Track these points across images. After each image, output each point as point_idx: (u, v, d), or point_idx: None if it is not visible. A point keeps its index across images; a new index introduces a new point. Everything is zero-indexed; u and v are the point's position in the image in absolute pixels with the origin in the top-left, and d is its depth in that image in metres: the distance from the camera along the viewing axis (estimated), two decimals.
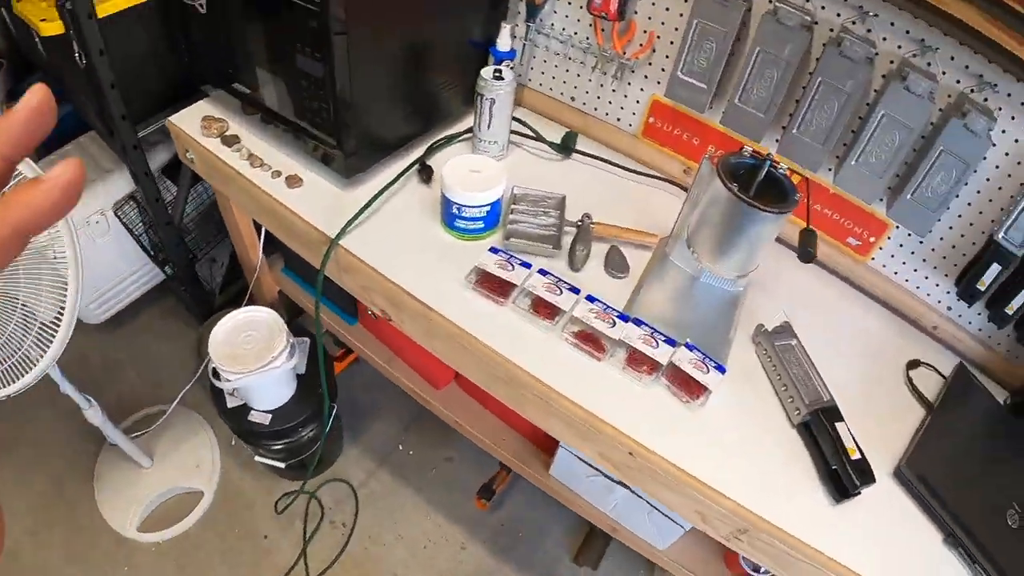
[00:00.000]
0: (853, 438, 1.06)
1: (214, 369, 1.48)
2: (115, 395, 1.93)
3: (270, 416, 1.60)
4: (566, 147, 1.43)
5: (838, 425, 1.06)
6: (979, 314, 1.26)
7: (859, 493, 1.02)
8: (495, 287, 1.14)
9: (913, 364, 1.26)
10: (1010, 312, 1.17)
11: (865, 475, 1.03)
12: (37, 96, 0.28)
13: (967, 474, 1.12)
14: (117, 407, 1.85)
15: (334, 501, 1.84)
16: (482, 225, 1.20)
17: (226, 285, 2.00)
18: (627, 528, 1.46)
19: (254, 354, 1.47)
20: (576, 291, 1.15)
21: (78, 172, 0.28)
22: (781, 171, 1.05)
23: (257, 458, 1.76)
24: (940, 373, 1.26)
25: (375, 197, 1.24)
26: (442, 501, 1.86)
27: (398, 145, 1.36)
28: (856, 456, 1.04)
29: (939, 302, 1.30)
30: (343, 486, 1.85)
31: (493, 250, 1.19)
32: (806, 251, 1.00)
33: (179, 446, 1.90)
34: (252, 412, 1.62)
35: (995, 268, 1.15)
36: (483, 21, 1.39)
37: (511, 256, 1.18)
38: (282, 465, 1.73)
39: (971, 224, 1.18)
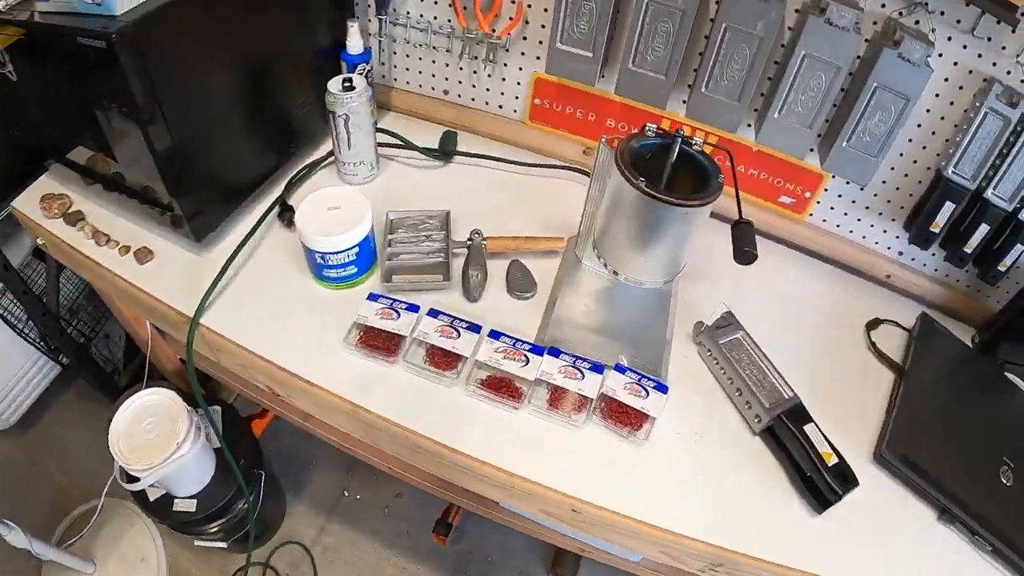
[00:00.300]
0: (826, 439, 0.84)
1: (121, 469, 1.23)
2: (43, 500, 1.67)
3: (195, 501, 1.35)
4: (445, 151, 1.17)
5: (807, 428, 0.85)
6: (933, 255, 1.06)
7: (841, 500, 0.81)
8: (381, 343, 0.89)
9: (873, 324, 1.05)
10: (969, 251, 0.97)
11: (846, 480, 0.83)
12: None
13: (950, 438, 0.93)
14: (49, 512, 1.62)
15: (290, 566, 1.60)
16: (355, 270, 0.94)
17: (128, 360, 1.73)
18: (596, 547, 1.25)
19: (158, 444, 1.21)
20: (476, 328, 0.90)
21: None
22: (696, 148, 0.80)
23: (197, 542, 1.51)
24: (902, 327, 1.06)
25: (230, 259, 0.97)
26: (401, 541, 1.63)
27: (255, 186, 1.08)
28: (833, 460, 0.83)
29: (889, 249, 1.09)
30: (295, 548, 1.61)
31: (372, 297, 0.93)
32: (743, 251, 0.75)
33: (119, 542, 1.65)
34: (176, 501, 1.37)
35: (948, 207, 0.94)
36: (327, 23, 1.11)
37: (394, 301, 0.92)
38: (224, 545, 1.48)
39: (915, 162, 0.98)
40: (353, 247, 0.91)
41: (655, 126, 0.80)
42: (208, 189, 0.98)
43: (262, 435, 1.67)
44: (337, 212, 0.92)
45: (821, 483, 0.82)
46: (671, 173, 0.82)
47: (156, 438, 1.21)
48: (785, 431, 0.85)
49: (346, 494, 1.70)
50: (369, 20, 1.17)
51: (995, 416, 0.98)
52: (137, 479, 1.20)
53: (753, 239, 0.75)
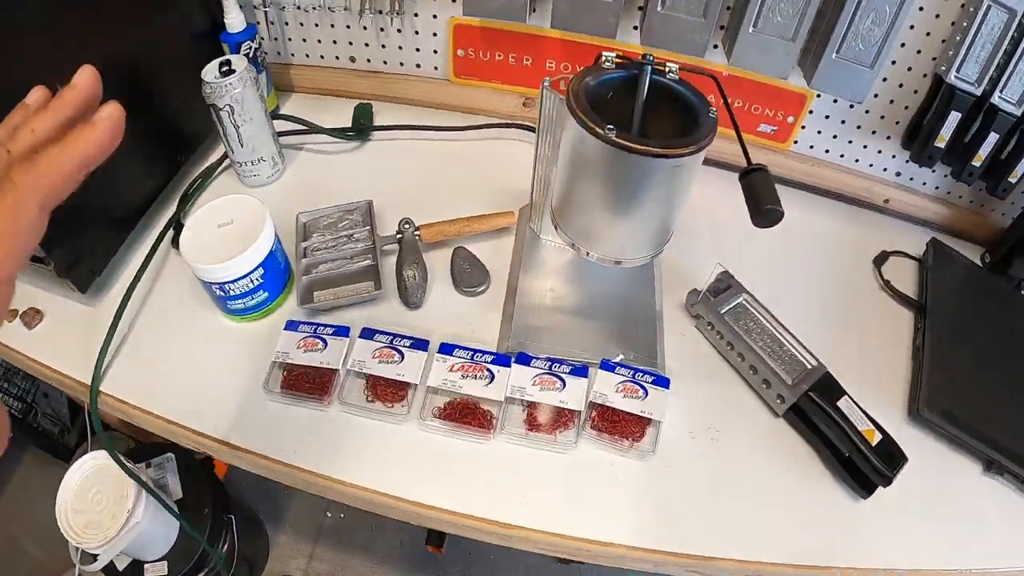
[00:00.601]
0: (864, 413, 0.65)
1: (77, 550, 1.04)
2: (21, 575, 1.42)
3: (166, 563, 1.15)
4: (360, 128, 0.92)
5: (841, 404, 0.65)
6: (933, 171, 0.86)
7: (892, 483, 0.62)
8: (308, 383, 0.66)
9: (880, 258, 0.86)
10: (978, 164, 0.78)
11: (894, 458, 0.63)
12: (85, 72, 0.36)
13: (984, 379, 0.76)
14: None
15: None
16: (265, 295, 0.71)
17: (75, 415, 1.49)
18: None
19: (111, 513, 1.02)
20: (423, 345, 0.68)
21: (120, 111, 0.36)
22: (671, 75, 0.57)
23: None
24: (912, 256, 0.87)
25: (121, 309, 0.72)
26: (396, 554, 1.43)
27: (142, 211, 0.83)
28: (877, 438, 0.64)
29: (885, 171, 0.89)
30: None
31: (290, 325, 0.70)
32: (763, 209, 0.50)
33: None
34: (146, 567, 1.16)
35: (954, 117, 0.76)
36: (199, 2, 0.85)
37: (318, 326, 0.69)
38: None
39: (909, 69, 0.78)
40: (255, 269, 0.67)
41: (613, 55, 0.57)
42: (84, 229, 0.72)
43: (227, 472, 1.43)
44: (229, 229, 0.68)
45: (866, 467, 0.63)
46: (643, 115, 0.59)
47: (107, 507, 1.02)
48: (815, 409, 0.65)
49: (329, 515, 1.49)
50: None
51: (1021, 342, 0.80)
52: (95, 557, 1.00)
53: (773, 190, 0.51)
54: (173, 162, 0.85)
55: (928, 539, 0.63)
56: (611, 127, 0.50)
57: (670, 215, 0.58)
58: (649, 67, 0.56)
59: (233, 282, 0.66)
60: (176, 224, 0.81)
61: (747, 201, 0.51)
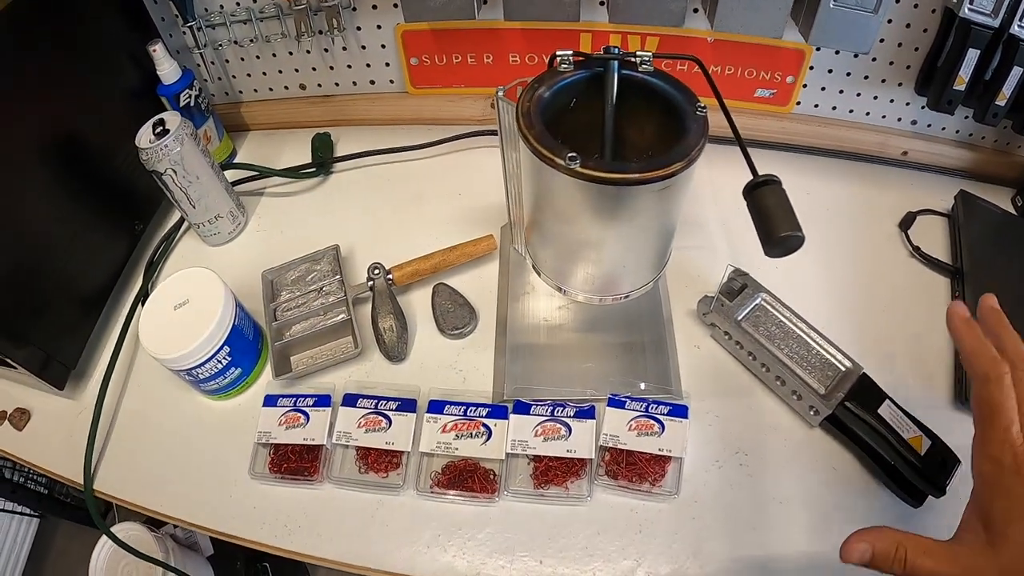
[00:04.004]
0: (909, 417, 0.55)
1: None
2: None
3: None
4: (319, 162, 0.82)
5: (882, 411, 0.55)
6: (951, 116, 0.74)
7: (945, 493, 0.53)
8: (295, 463, 0.59)
9: (906, 221, 0.74)
10: (1002, 103, 0.67)
11: (945, 466, 0.54)
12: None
13: None
14: None
15: None
16: (239, 372, 0.63)
17: None
18: None
19: None
20: (411, 405, 0.60)
21: None
22: (645, 67, 0.46)
23: None
24: (939, 212, 0.75)
25: (99, 404, 0.65)
26: None
27: (107, 291, 0.75)
28: (926, 446, 0.54)
29: (900, 120, 0.78)
30: None
31: (269, 400, 0.62)
32: (778, 237, 0.39)
33: None
34: None
35: (972, 55, 0.65)
36: (130, 59, 0.76)
37: (297, 398, 0.61)
38: None
39: (915, 6, 0.68)
40: (219, 349, 0.59)
41: (569, 52, 0.46)
42: (49, 323, 0.66)
43: None
44: (186, 310, 0.60)
45: (915, 478, 0.53)
46: (617, 122, 0.48)
47: None
48: (854, 420, 0.55)
49: None
50: (184, 32, 0.80)
51: None
52: None
53: (790, 210, 0.39)
54: (131, 231, 0.78)
55: None
56: (572, 155, 0.40)
57: (665, 236, 0.48)
58: (615, 62, 0.45)
59: (199, 366, 0.59)
60: (144, 297, 0.73)
61: (756, 226, 0.40)
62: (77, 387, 0.70)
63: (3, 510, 1.32)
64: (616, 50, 0.46)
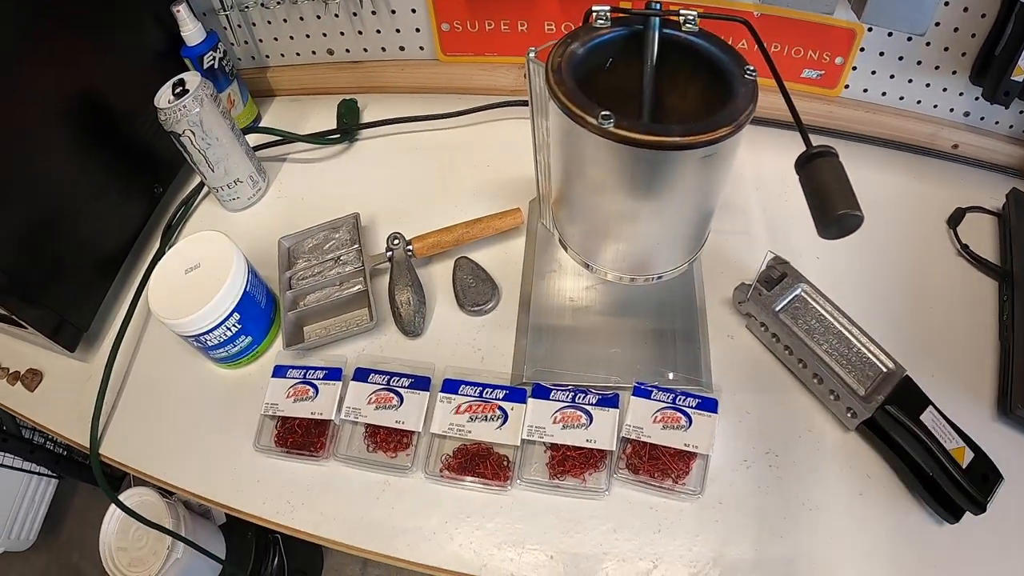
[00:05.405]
0: (953, 427, 0.50)
1: None
2: None
3: None
4: (344, 128, 0.78)
5: (924, 417, 0.50)
6: (1007, 108, 0.67)
7: (986, 510, 0.48)
8: (301, 437, 0.56)
9: (955, 217, 0.68)
10: None
11: (987, 480, 0.48)
12: None
13: None
14: None
15: None
16: (249, 340, 0.60)
17: None
18: None
19: (151, 550, 1.00)
20: (424, 383, 0.56)
21: None
22: (689, 26, 0.42)
23: None
24: (990, 211, 0.69)
25: (108, 367, 0.63)
26: None
27: (124, 254, 0.73)
28: (968, 458, 0.49)
29: (952, 111, 0.72)
30: None
31: (279, 371, 0.59)
32: (835, 216, 0.33)
33: None
34: None
35: None
36: (153, 19, 0.73)
37: (307, 370, 0.58)
38: None
39: None
40: (228, 316, 0.56)
41: (607, 8, 0.41)
42: (64, 285, 0.64)
43: None
44: (197, 274, 0.58)
45: (956, 493, 0.48)
46: (656, 86, 0.43)
47: (149, 543, 1.01)
48: (894, 426, 0.50)
49: None
50: None
51: None
52: None
53: (847, 185, 0.34)
54: (150, 194, 0.76)
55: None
56: (606, 113, 0.35)
57: (705, 212, 0.43)
58: (657, 19, 0.40)
59: (208, 333, 0.56)
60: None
61: (809, 203, 0.35)
62: (89, 350, 0.68)
63: (21, 469, 1.32)
64: (658, 6, 0.41)
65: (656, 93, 0.45)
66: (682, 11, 0.42)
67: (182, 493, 0.59)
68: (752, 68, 0.39)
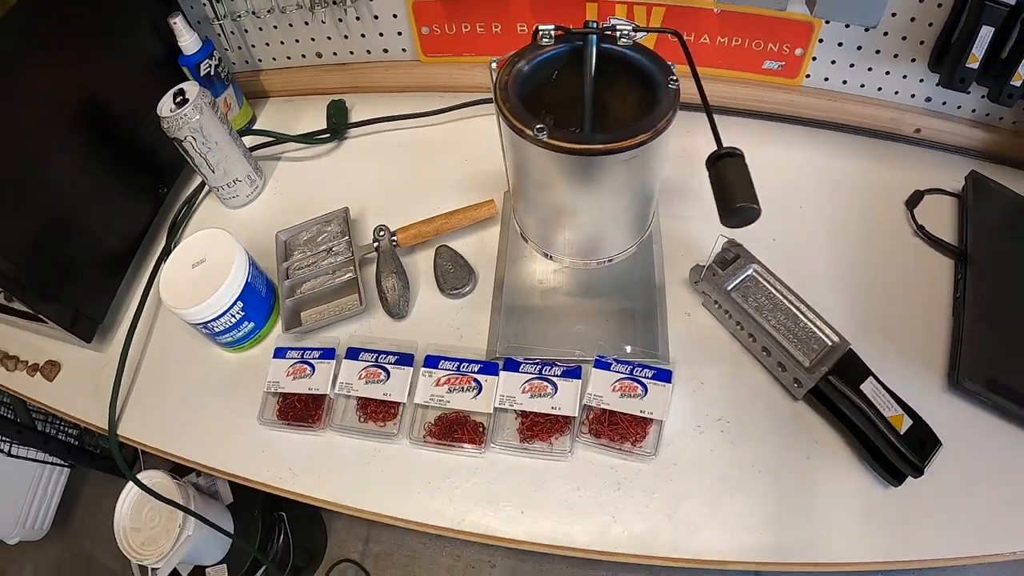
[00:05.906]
0: (891, 394, 0.55)
1: (139, 567, 1.05)
2: None
3: (225, 567, 1.16)
4: (334, 128, 0.83)
5: (864, 388, 0.54)
6: (967, 93, 0.70)
7: (923, 474, 0.52)
8: (300, 411, 0.62)
9: (914, 199, 0.72)
10: (1018, 83, 0.64)
11: (925, 446, 0.53)
12: None
13: None
14: None
15: None
16: (252, 325, 0.66)
17: None
18: None
19: (163, 528, 1.04)
20: (408, 360, 0.62)
21: None
22: (624, 40, 0.46)
23: None
24: (949, 192, 0.73)
25: (123, 355, 0.69)
26: None
27: (133, 250, 0.79)
28: (906, 425, 0.53)
29: (913, 97, 0.75)
30: (347, 566, 1.41)
31: (279, 352, 0.65)
32: (733, 208, 0.38)
33: None
34: (207, 571, 1.18)
35: (987, 32, 0.63)
36: (153, 31, 0.78)
37: (305, 351, 0.64)
38: None
39: None
40: (232, 304, 0.63)
41: (551, 27, 0.46)
42: (78, 280, 0.70)
43: None
44: (203, 268, 0.64)
45: (895, 457, 0.53)
46: (597, 94, 0.48)
47: (161, 522, 1.05)
48: (836, 394, 0.55)
49: None
50: (204, 3, 0.82)
51: None
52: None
53: (749, 183, 0.39)
54: (155, 195, 0.82)
55: (971, 524, 0.53)
56: (540, 126, 0.40)
57: (643, 200, 0.48)
58: (594, 36, 0.44)
59: (214, 320, 0.63)
60: (166, 256, 0.76)
61: (715, 196, 0.40)
62: (104, 340, 0.75)
63: (36, 460, 1.37)
64: (595, 24, 0.46)
65: (600, 100, 0.50)
66: (617, 27, 0.46)
67: (195, 466, 0.65)
68: (675, 78, 0.43)
